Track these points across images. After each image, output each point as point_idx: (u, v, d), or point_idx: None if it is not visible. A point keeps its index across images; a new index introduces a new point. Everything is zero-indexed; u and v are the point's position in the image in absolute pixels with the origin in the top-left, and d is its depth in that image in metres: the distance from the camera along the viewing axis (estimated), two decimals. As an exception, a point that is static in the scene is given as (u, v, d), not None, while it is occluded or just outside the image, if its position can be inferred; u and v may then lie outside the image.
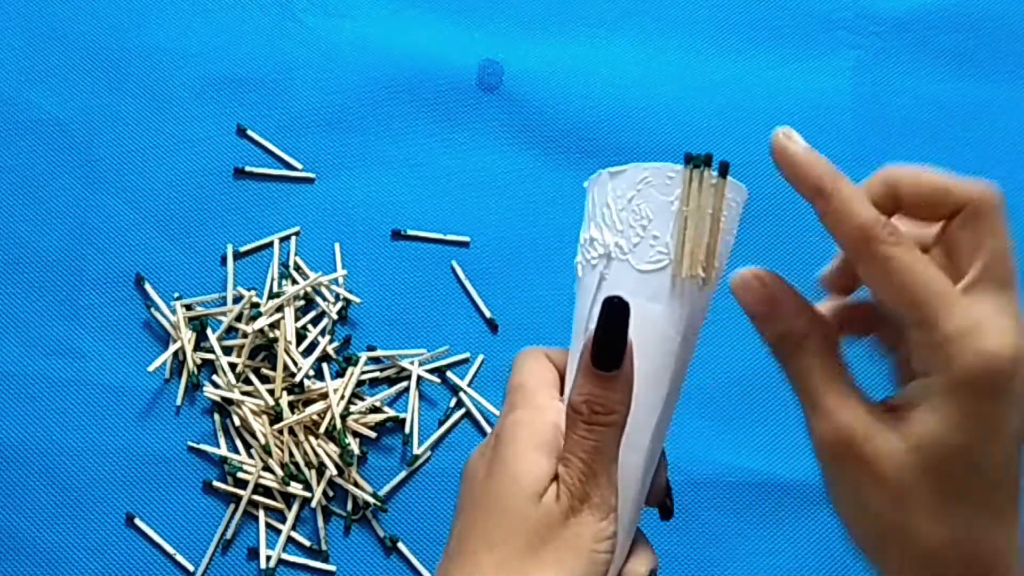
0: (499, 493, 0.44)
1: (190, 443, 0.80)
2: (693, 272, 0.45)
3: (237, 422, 0.80)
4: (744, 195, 0.48)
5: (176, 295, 0.83)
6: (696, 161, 0.45)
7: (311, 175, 0.87)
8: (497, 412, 0.82)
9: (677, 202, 0.44)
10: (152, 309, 0.82)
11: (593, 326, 0.43)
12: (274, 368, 0.81)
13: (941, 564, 0.40)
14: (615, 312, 0.43)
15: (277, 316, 0.81)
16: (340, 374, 0.82)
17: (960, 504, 0.39)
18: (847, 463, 0.41)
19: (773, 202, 0.89)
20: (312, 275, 0.83)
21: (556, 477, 0.44)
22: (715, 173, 0.45)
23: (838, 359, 0.43)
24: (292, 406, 0.81)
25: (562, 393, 0.47)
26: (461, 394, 0.82)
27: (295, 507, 0.79)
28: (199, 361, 0.81)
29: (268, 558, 0.78)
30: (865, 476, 0.40)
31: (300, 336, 0.82)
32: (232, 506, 0.79)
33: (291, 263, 0.84)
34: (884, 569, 0.44)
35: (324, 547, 0.78)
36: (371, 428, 0.81)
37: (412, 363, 0.82)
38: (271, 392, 0.81)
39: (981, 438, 0.38)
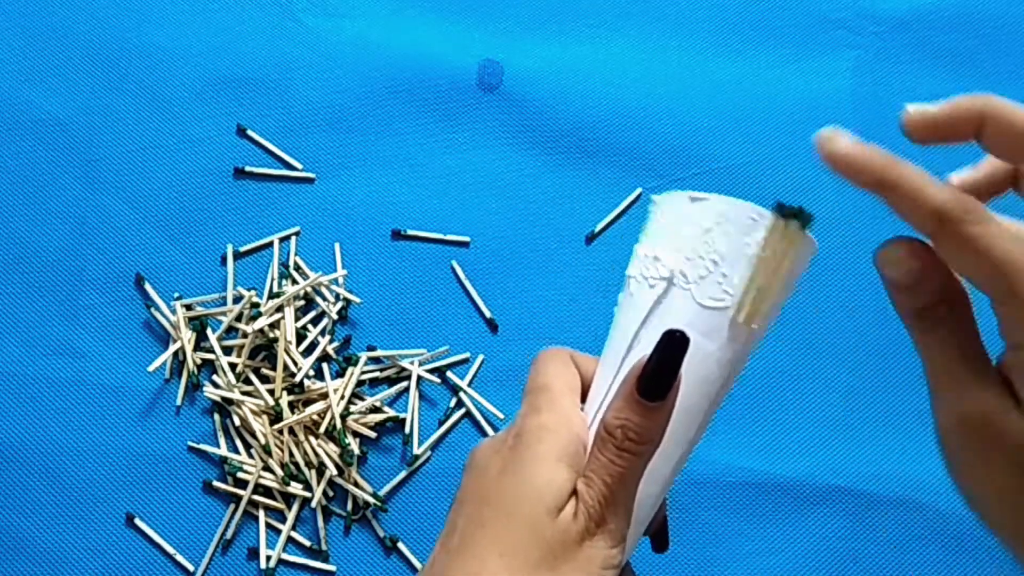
0: (516, 497, 0.43)
1: (190, 443, 0.80)
2: (752, 322, 0.44)
3: (237, 422, 0.80)
4: (815, 250, 0.45)
5: (176, 295, 0.83)
6: (787, 212, 0.43)
7: (311, 175, 0.87)
8: (497, 412, 0.82)
9: (755, 247, 0.43)
10: (152, 309, 0.82)
11: (640, 349, 0.43)
12: (274, 368, 0.81)
13: None
14: (675, 346, 0.42)
15: (277, 316, 0.81)
16: (340, 374, 0.82)
17: None
18: (981, 438, 0.39)
19: (770, 203, 0.88)
20: (312, 275, 0.83)
21: (574, 493, 0.43)
22: (799, 227, 0.43)
23: (976, 335, 0.40)
24: (292, 406, 0.81)
25: (583, 401, 0.46)
26: (461, 394, 0.82)
27: (295, 507, 0.79)
28: (199, 361, 0.81)
29: (268, 558, 0.78)
30: (996, 451, 0.39)
31: (300, 336, 0.82)
32: (232, 506, 0.79)
33: (291, 263, 0.84)
34: (1013, 543, 0.42)
35: (324, 547, 0.78)
36: (371, 428, 0.81)
37: (412, 363, 0.82)
38: (271, 392, 0.81)
39: None
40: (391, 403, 0.82)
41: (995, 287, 0.38)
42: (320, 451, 0.79)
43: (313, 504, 0.78)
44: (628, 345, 0.45)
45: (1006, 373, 0.39)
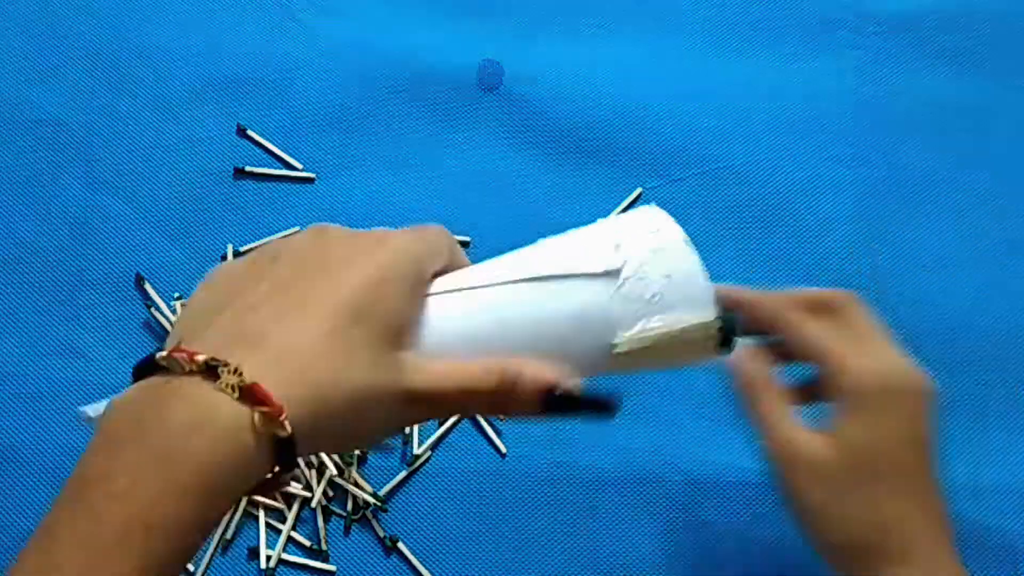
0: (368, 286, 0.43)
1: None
2: (617, 364, 0.45)
3: (237, 422, 0.80)
4: (708, 362, 0.48)
5: (176, 295, 0.83)
6: (724, 329, 0.45)
7: (311, 175, 0.87)
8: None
9: (680, 323, 0.45)
10: (152, 309, 0.82)
11: (538, 288, 0.45)
12: (274, 368, 0.81)
13: (858, 529, 0.59)
14: (602, 410, 0.45)
15: (277, 316, 0.81)
16: (340, 374, 0.82)
17: (868, 483, 0.58)
18: (793, 464, 0.60)
19: (770, 203, 0.89)
20: (312, 275, 0.83)
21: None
22: (716, 345, 0.46)
23: (784, 398, 0.62)
24: (292, 406, 0.81)
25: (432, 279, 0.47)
26: (461, 394, 0.82)
27: (295, 507, 0.79)
28: (199, 361, 0.81)
29: (268, 558, 0.78)
30: (805, 471, 0.59)
31: (300, 336, 0.82)
32: (232, 506, 0.79)
33: (291, 263, 0.84)
34: (818, 545, 0.62)
35: (324, 547, 0.78)
36: (371, 428, 0.81)
37: (412, 363, 0.82)
38: (271, 392, 0.80)
39: (881, 435, 0.59)
40: (391, 403, 0.82)
41: (816, 361, 0.62)
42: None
43: (313, 504, 0.78)
44: (528, 277, 0.45)
45: (831, 419, 0.60)
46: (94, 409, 0.45)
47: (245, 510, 0.79)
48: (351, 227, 0.85)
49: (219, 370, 0.39)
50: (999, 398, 0.84)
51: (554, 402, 0.44)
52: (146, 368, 0.41)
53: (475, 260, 0.85)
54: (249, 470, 0.39)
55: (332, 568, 0.78)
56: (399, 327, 0.44)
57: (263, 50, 0.89)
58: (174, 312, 0.82)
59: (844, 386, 0.58)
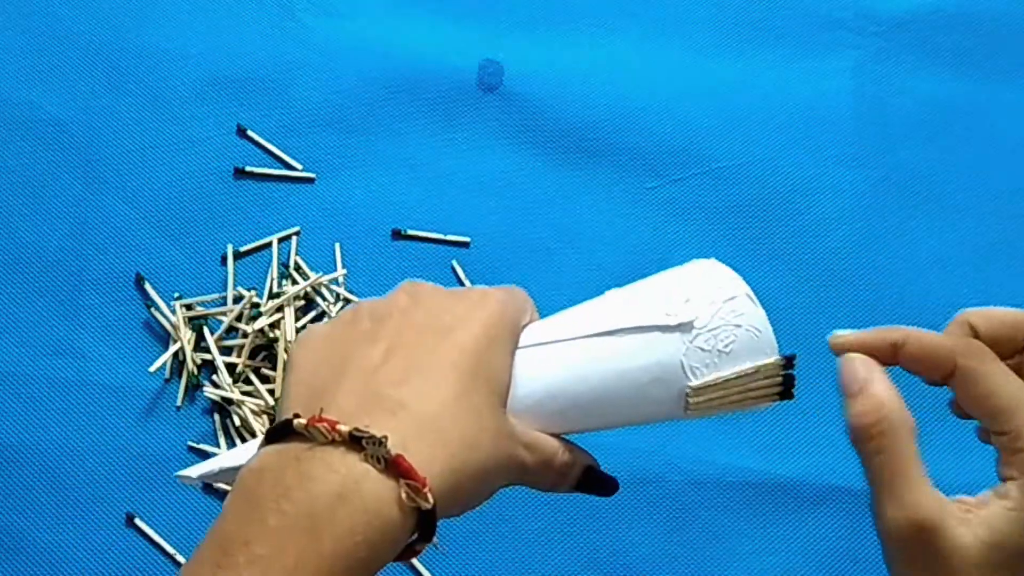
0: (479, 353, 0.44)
1: (190, 443, 0.80)
2: (691, 411, 0.47)
3: (237, 422, 0.80)
4: (768, 407, 0.49)
5: (176, 295, 0.83)
6: (787, 375, 0.48)
7: (311, 175, 0.87)
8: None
9: (748, 367, 0.47)
10: (152, 309, 0.82)
11: (611, 343, 0.46)
12: (274, 368, 0.81)
13: None
14: (607, 489, 0.49)
15: (277, 316, 0.81)
16: (340, 374, 0.82)
17: None
18: (920, 551, 0.41)
19: (770, 203, 0.89)
20: (312, 275, 0.83)
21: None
22: (778, 392, 0.48)
23: (915, 448, 0.43)
24: (292, 406, 0.81)
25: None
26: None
27: (295, 507, 0.79)
28: (199, 361, 0.81)
29: (268, 558, 0.78)
30: (936, 566, 0.41)
31: (300, 336, 0.82)
32: None
33: (291, 263, 0.84)
34: None
35: (324, 547, 0.78)
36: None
37: (412, 363, 0.82)
38: (271, 392, 0.80)
39: None
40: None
41: (991, 419, 0.42)
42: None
43: (313, 504, 0.78)
44: (605, 331, 0.47)
45: (988, 497, 0.41)
46: (196, 471, 0.46)
47: (245, 510, 0.79)
48: (352, 227, 0.86)
49: (363, 441, 0.38)
50: (999, 398, 0.84)
51: (587, 479, 0.49)
52: (281, 433, 0.40)
53: (475, 259, 0.86)
54: (391, 542, 0.39)
55: (332, 568, 0.78)
56: (505, 386, 0.45)
57: (263, 50, 0.89)
58: (174, 312, 0.82)
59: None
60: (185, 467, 0.78)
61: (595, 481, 0.49)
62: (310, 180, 0.87)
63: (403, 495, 0.38)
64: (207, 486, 0.80)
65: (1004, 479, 0.41)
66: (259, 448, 0.41)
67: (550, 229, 0.87)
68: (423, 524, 0.40)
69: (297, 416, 0.39)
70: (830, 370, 0.79)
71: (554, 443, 0.46)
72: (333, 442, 0.39)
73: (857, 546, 0.80)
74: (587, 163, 0.88)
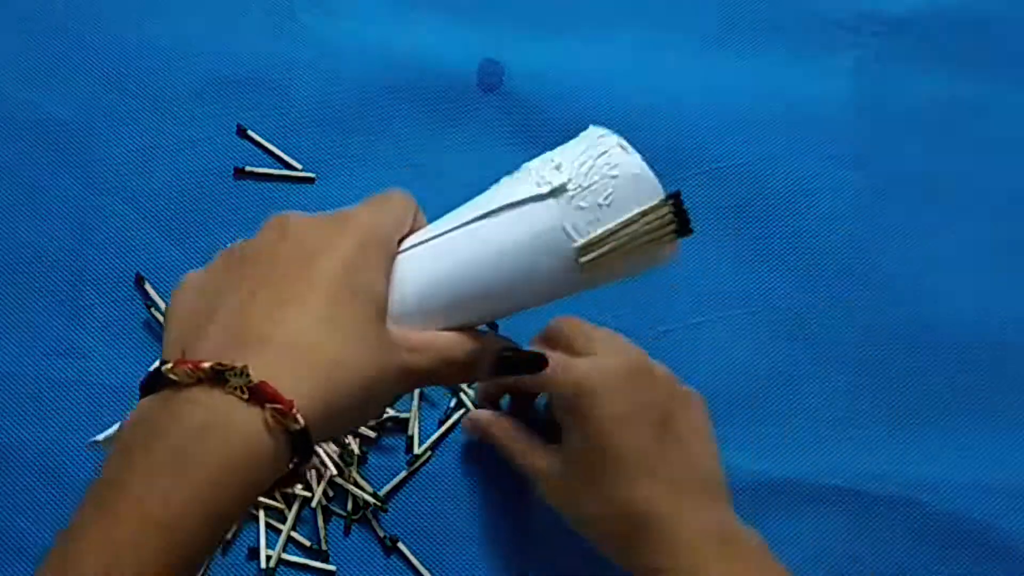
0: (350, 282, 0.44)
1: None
2: (587, 271, 0.46)
3: (237, 422, 0.80)
4: (671, 259, 0.49)
5: (176, 295, 0.83)
6: (678, 209, 0.48)
7: (311, 175, 0.87)
8: (497, 412, 0.82)
9: (635, 214, 0.47)
10: (152, 309, 0.82)
11: (492, 224, 0.47)
12: (274, 368, 0.81)
13: (604, 521, 0.64)
14: (533, 366, 0.52)
15: (277, 316, 0.81)
16: (340, 374, 0.82)
17: (594, 483, 0.62)
18: (542, 485, 0.68)
19: (770, 202, 0.89)
20: (312, 275, 0.83)
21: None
22: (674, 229, 0.47)
23: (521, 432, 0.70)
24: (292, 406, 0.81)
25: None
26: (461, 394, 0.82)
27: (295, 507, 0.79)
28: (199, 361, 0.81)
29: (268, 558, 0.78)
30: (551, 488, 0.67)
31: (300, 336, 0.82)
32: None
33: (291, 263, 0.84)
34: (586, 535, 0.67)
35: (324, 547, 0.78)
36: (371, 428, 0.81)
37: (412, 363, 0.82)
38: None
39: (590, 433, 0.62)
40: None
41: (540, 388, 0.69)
42: (320, 451, 0.79)
43: (313, 504, 0.78)
44: (481, 215, 0.48)
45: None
46: (104, 435, 0.47)
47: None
48: (351, 227, 0.85)
49: (226, 375, 0.39)
50: (999, 398, 0.84)
51: (503, 364, 0.50)
52: (152, 383, 0.41)
53: (475, 260, 0.86)
54: (266, 465, 0.40)
55: (332, 568, 0.78)
56: (381, 299, 0.45)
57: (263, 50, 0.89)
58: (174, 312, 0.82)
59: (555, 406, 0.65)
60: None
61: (513, 364, 0.51)
62: (310, 180, 0.87)
63: (269, 419, 0.39)
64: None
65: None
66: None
67: (550, 229, 0.87)
68: (298, 446, 0.40)
69: (164, 363, 0.41)
70: (831, 370, 0.80)
71: (447, 338, 0.47)
72: (199, 381, 0.40)
73: (857, 546, 0.80)
74: (587, 163, 0.88)
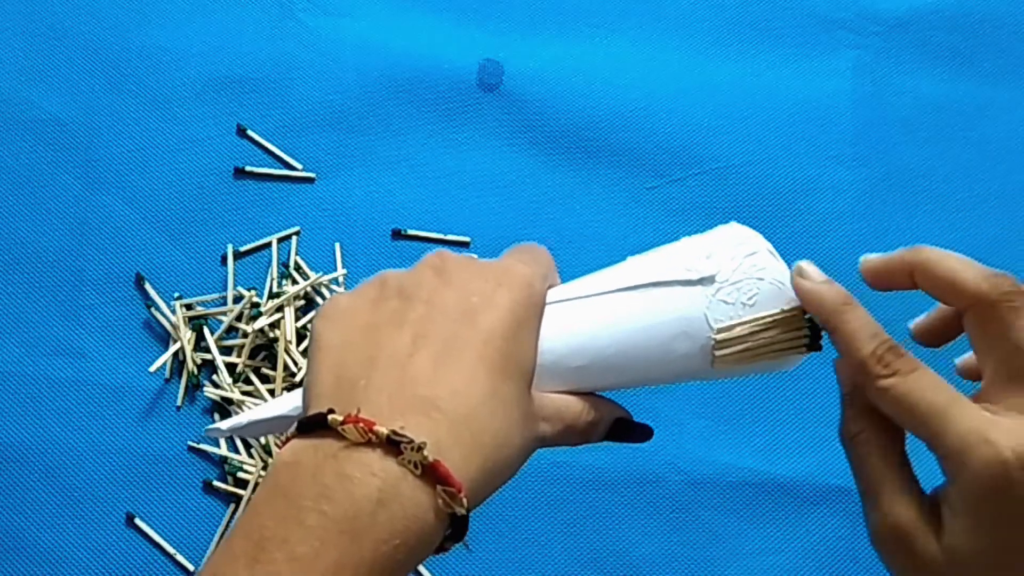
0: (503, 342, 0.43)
1: (190, 443, 0.80)
2: (717, 364, 0.47)
3: (237, 422, 0.80)
4: (792, 366, 0.50)
5: (176, 295, 0.83)
6: (814, 334, 0.48)
7: (311, 175, 0.87)
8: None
9: (770, 318, 0.47)
10: (152, 309, 0.82)
11: (632, 299, 0.47)
12: (274, 368, 0.81)
13: None
14: (640, 436, 0.49)
15: (277, 316, 0.81)
16: (340, 374, 0.82)
17: None
18: (896, 554, 0.43)
19: (770, 202, 0.89)
20: (312, 275, 0.83)
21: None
22: (805, 344, 0.48)
23: (900, 454, 0.44)
24: (292, 406, 0.81)
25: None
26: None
27: (295, 507, 0.79)
28: (199, 361, 0.81)
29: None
30: (912, 568, 0.42)
31: (300, 336, 0.82)
32: (232, 506, 0.79)
33: (291, 263, 0.84)
34: None
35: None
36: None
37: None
38: (271, 392, 0.80)
39: (998, 543, 0.40)
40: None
41: (916, 432, 0.41)
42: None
43: (313, 504, 0.78)
44: (627, 287, 0.48)
45: (939, 501, 0.41)
46: (226, 424, 0.46)
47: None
48: (352, 227, 0.85)
49: (401, 446, 0.38)
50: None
51: (617, 431, 0.48)
52: (313, 425, 0.40)
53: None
54: (427, 545, 0.39)
55: (332, 568, 0.78)
56: (532, 366, 0.45)
57: (263, 50, 0.89)
58: (174, 312, 0.82)
59: (953, 468, 0.40)
60: (185, 467, 0.78)
61: (624, 433, 0.49)
62: (310, 180, 0.87)
63: (440, 502, 0.39)
64: (206, 484, 0.80)
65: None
66: (288, 437, 0.41)
67: (550, 229, 0.87)
68: (455, 526, 0.40)
69: (331, 412, 0.40)
70: (831, 373, 0.79)
71: (575, 407, 0.46)
72: (369, 443, 0.39)
73: (857, 546, 0.80)
74: (587, 163, 0.88)
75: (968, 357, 0.48)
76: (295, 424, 0.41)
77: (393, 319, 0.43)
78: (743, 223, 0.85)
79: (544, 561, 0.78)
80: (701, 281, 0.47)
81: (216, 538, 0.78)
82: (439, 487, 0.39)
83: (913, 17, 0.94)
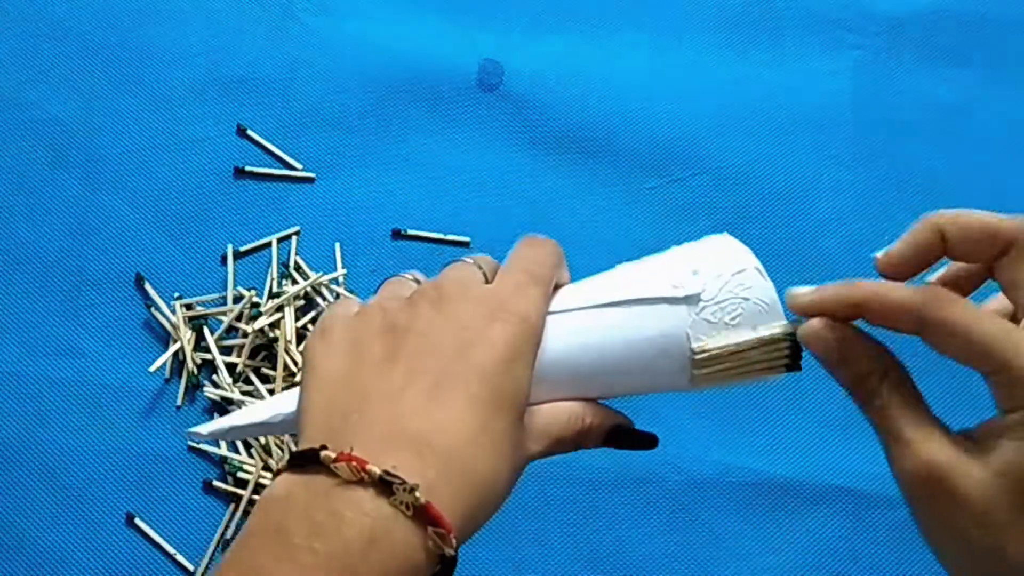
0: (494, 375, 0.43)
1: (190, 443, 0.80)
2: (695, 382, 0.47)
3: (237, 422, 0.80)
4: (773, 380, 0.50)
5: (176, 295, 0.83)
6: (793, 345, 0.48)
7: (311, 175, 0.87)
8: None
9: (753, 336, 0.47)
10: (152, 309, 0.82)
11: (620, 312, 0.47)
12: (274, 368, 0.81)
13: None
14: (643, 444, 0.48)
15: (277, 316, 0.81)
16: (340, 374, 0.82)
17: None
18: (936, 493, 0.41)
19: (770, 202, 0.89)
20: (312, 275, 0.83)
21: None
22: (786, 363, 0.48)
23: (915, 393, 0.44)
24: (292, 406, 0.81)
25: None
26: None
27: (295, 507, 0.79)
28: (199, 361, 0.81)
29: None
30: (954, 505, 0.41)
31: (300, 336, 0.82)
32: (232, 506, 0.79)
33: (291, 263, 0.84)
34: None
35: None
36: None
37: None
38: (271, 392, 0.80)
39: None
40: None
41: (980, 364, 0.41)
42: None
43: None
44: (613, 301, 0.48)
45: (991, 429, 0.41)
46: (207, 428, 0.46)
47: (245, 510, 0.79)
48: (352, 227, 0.85)
49: (393, 487, 0.39)
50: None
51: (614, 437, 0.48)
52: (304, 459, 0.40)
53: (475, 260, 0.86)
54: None
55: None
56: (525, 396, 0.45)
57: (263, 50, 0.89)
58: (174, 312, 0.82)
59: None
60: (185, 467, 0.78)
61: (626, 441, 0.49)
62: (310, 180, 0.87)
63: (430, 543, 0.39)
64: (207, 484, 0.80)
65: (1006, 411, 0.40)
66: (280, 469, 0.41)
67: (550, 229, 0.86)
68: (443, 565, 0.41)
69: (324, 448, 0.40)
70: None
71: (561, 419, 0.47)
72: (361, 482, 0.39)
73: (857, 546, 0.80)
74: (587, 163, 0.88)
75: (996, 300, 0.47)
76: (287, 456, 0.41)
77: (386, 352, 0.44)
78: (743, 223, 0.85)
79: (544, 561, 0.78)
80: (686, 299, 0.47)
81: (216, 538, 0.78)
82: (430, 528, 0.39)
83: (913, 17, 0.94)
